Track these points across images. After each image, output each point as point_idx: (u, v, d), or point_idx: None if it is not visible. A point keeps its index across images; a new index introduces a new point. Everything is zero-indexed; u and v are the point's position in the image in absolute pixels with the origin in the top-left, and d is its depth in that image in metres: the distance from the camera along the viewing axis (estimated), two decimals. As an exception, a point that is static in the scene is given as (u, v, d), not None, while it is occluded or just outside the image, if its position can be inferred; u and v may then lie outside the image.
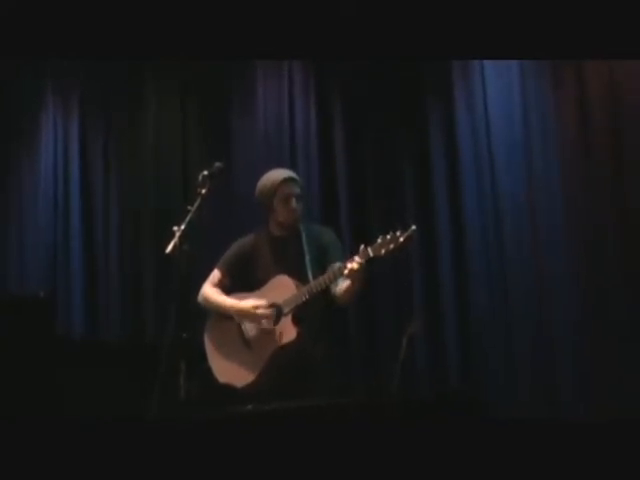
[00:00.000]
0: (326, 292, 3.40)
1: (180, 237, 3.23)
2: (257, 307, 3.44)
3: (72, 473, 2.48)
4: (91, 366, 3.77)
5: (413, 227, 3.14)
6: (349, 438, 2.44)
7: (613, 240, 3.85)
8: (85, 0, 4.14)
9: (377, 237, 3.18)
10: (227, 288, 3.61)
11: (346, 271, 3.20)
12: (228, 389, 3.46)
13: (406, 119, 4.53)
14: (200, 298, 3.62)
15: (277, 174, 3.59)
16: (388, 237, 3.15)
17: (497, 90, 4.23)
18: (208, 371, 3.55)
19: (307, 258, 3.43)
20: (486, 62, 4.27)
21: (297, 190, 3.55)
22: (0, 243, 5.68)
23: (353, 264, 3.18)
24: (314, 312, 3.40)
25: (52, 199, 5.45)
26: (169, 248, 3.24)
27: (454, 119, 4.34)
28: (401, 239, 3.13)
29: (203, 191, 3.33)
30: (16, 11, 4.17)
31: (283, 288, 3.41)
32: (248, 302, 3.48)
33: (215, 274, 3.63)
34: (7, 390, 3.19)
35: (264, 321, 3.42)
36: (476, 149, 4.26)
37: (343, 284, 3.36)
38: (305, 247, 3.47)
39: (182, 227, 3.25)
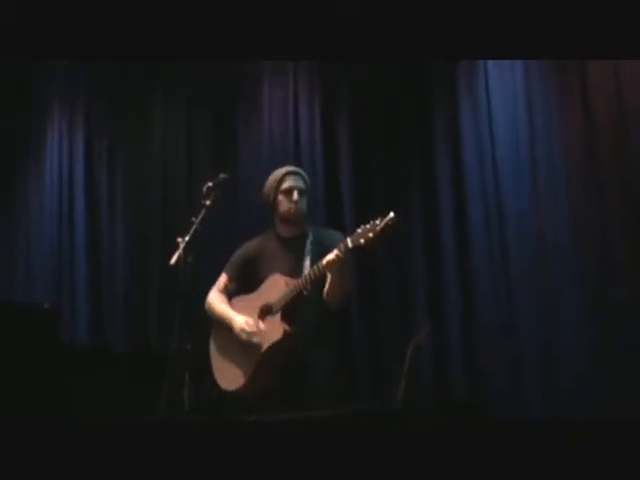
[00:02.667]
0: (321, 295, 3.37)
1: (184, 248, 3.24)
2: (243, 328, 3.39)
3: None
4: (96, 376, 3.78)
5: (391, 214, 3.06)
6: (352, 448, 2.44)
7: (620, 244, 3.85)
8: (88, 2, 4.16)
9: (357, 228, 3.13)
10: (233, 292, 3.60)
11: (324, 262, 3.17)
12: (231, 399, 3.46)
13: (411, 122, 4.53)
14: (205, 304, 3.61)
15: (281, 169, 3.60)
16: (367, 226, 3.09)
17: (501, 92, 4.22)
18: (212, 382, 3.54)
19: (307, 259, 3.40)
20: (490, 65, 4.26)
21: (300, 184, 3.53)
22: (7, 253, 5.71)
23: (330, 255, 3.15)
24: (310, 314, 3.36)
25: (58, 209, 5.46)
26: (173, 259, 3.25)
27: (458, 123, 4.34)
28: (379, 227, 3.05)
29: (208, 202, 3.35)
30: (21, 15, 4.19)
31: (275, 287, 3.38)
32: (239, 320, 3.43)
33: (221, 279, 3.62)
34: (13, 399, 3.19)
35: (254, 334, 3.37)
36: (480, 152, 4.26)
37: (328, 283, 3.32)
38: (307, 248, 3.43)
39: (186, 238, 3.26)
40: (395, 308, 4.41)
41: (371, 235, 3.06)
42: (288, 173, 3.54)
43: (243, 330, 3.39)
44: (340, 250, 3.14)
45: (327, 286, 3.30)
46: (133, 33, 4.24)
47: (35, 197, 5.69)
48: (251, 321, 3.40)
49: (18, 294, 5.51)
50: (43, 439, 2.57)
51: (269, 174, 4.60)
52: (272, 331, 3.30)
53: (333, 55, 4.36)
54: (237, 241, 3.74)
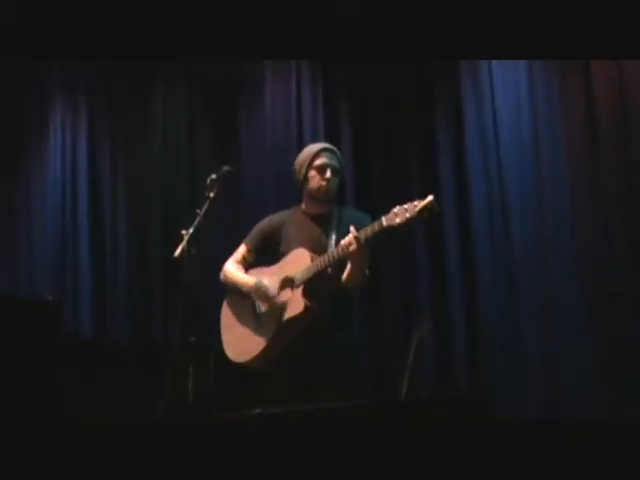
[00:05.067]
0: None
1: (188, 241, 3.23)
2: (263, 284, 3.31)
3: (75, 477, 2.48)
4: (98, 370, 3.77)
5: (430, 197, 2.95)
6: (355, 441, 2.43)
7: (620, 238, 3.85)
8: (94, 1, 4.17)
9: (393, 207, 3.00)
10: (250, 264, 3.49)
11: (341, 244, 3.08)
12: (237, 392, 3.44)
13: (413, 119, 4.53)
14: (221, 274, 3.51)
15: (315, 145, 3.51)
16: (405, 206, 2.96)
17: (505, 89, 4.23)
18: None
19: (333, 238, 3.28)
20: (494, 61, 4.27)
21: (334, 162, 3.39)
22: (9, 246, 5.71)
23: (346, 238, 3.05)
24: (330, 293, 3.25)
25: (60, 202, 5.47)
26: (177, 252, 3.25)
27: (462, 119, 4.34)
28: (417, 208, 2.92)
29: (211, 194, 3.33)
30: (24, 13, 4.20)
31: (299, 261, 3.26)
32: (257, 275, 3.38)
33: (240, 249, 3.52)
34: (14, 393, 3.19)
35: (271, 297, 3.29)
36: (484, 148, 4.26)
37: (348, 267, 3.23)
38: (333, 227, 3.32)
39: (190, 231, 3.26)
40: (398, 301, 4.41)
41: (408, 216, 2.94)
42: (323, 150, 3.42)
43: (263, 285, 3.30)
44: (359, 233, 3.04)
45: (347, 269, 3.21)
46: (134, 33, 4.25)
47: (38, 192, 5.70)
48: (270, 283, 3.31)
49: (21, 289, 5.51)
50: (44, 438, 2.57)
51: (271, 168, 4.60)
52: (292, 304, 3.21)
53: (334, 55, 4.38)
54: (240, 234, 3.70)
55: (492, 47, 3.88)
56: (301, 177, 3.42)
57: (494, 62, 4.27)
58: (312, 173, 3.38)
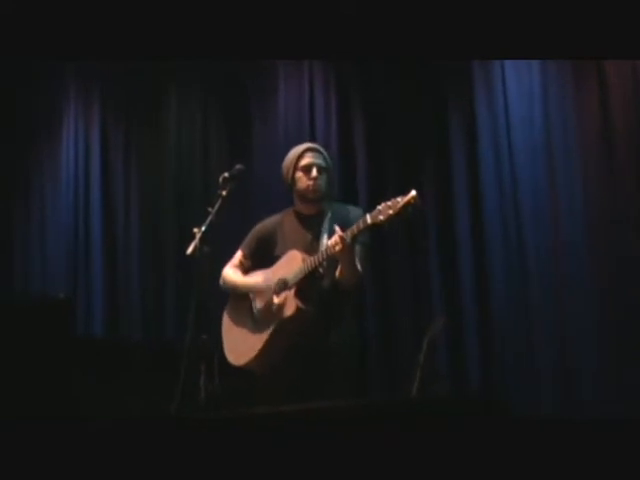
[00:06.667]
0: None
1: (201, 238, 3.24)
2: (262, 281, 3.37)
3: (88, 476, 2.49)
4: (111, 368, 3.79)
5: (413, 192, 2.99)
6: (365, 440, 2.43)
7: (635, 240, 3.84)
8: (107, 1, 4.19)
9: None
10: (248, 269, 3.54)
11: (327, 244, 3.14)
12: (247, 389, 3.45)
13: (427, 119, 4.53)
14: (220, 279, 3.57)
15: (300, 146, 3.53)
16: (389, 203, 3.01)
17: (518, 90, 4.22)
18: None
19: (324, 236, 3.31)
20: (507, 62, 4.26)
21: (319, 161, 3.43)
22: (22, 243, 5.73)
23: (332, 239, 3.11)
24: (325, 293, 3.30)
25: (73, 199, 5.49)
26: (189, 249, 3.26)
27: (475, 120, 4.34)
28: (400, 204, 2.97)
29: (224, 193, 3.34)
30: (36, 13, 4.22)
31: (292, 263, 3.31)
32: (253, 277, 3.43)
33: (237, 255, 3.58)
34: (27, 392, 3.20)
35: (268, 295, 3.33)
36: (497, 150, 4.26)
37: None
38: (326, 226, 3.35)
39: (203, 228, 3.27)
40: (410, 299, 4.41)
41: (391, 212, 2.99)
42: (308, 149, 3.46)
43: (262, 281, 3.36)
44: (344, 233, 3.09)
45: (338, 268, 3.25)
46: (150, 33, 4.28)
47: (50, 192, 5.71)
48: (269, 275, 3.36)
49: (33, 285, 5.53)
50: (55, 436, 2.58)
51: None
52: (285, 306, 3.26)
53: (344, 55, 4.40)
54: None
55: (505, 47, 3.88)
56: (289, 180, 3.47)
57: (507, 66, 4.27)
58: (299, 174, 3.43)
